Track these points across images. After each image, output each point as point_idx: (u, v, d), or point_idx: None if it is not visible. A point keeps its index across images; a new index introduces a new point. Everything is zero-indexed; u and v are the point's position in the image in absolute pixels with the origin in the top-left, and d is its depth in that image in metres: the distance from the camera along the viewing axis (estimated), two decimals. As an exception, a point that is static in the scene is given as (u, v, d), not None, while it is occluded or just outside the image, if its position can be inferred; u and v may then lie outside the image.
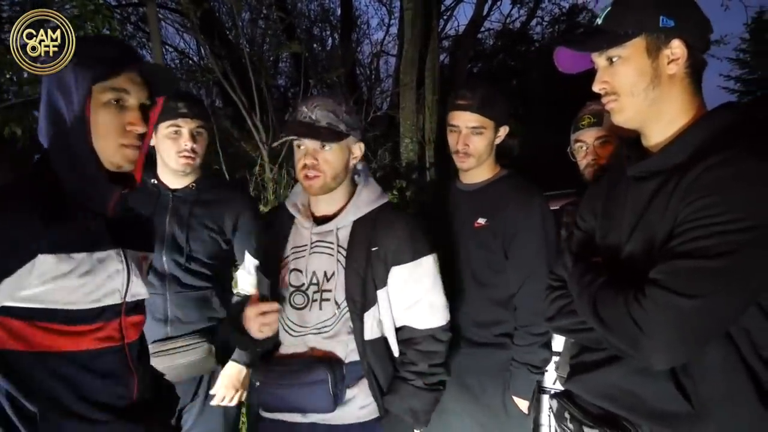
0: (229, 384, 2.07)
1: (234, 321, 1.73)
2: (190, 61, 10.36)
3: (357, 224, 1.76)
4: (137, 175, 1.42)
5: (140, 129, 1.31)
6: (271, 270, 1.81)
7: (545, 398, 2.50)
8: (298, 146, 1.73)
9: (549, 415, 1.44)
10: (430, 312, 1.76)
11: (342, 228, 1.76)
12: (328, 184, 1.72)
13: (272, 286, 1.79)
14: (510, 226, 2.09)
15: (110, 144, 1.29)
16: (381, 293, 1.72)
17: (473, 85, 2.19)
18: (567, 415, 1.36)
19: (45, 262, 1.18)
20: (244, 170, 5.61)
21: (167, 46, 10.95)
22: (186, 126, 2.09)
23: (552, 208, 2.20)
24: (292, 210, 1.84)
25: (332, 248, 1.74)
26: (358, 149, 1.78)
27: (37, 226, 1.17)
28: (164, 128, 2.08)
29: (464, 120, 2.11)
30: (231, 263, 2.31)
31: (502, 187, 2.17)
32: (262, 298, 1.70)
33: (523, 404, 2.09)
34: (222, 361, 2.08)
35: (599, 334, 1.24)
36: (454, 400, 2.08)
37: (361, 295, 1.69)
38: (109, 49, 1.32)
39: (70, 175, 1.28)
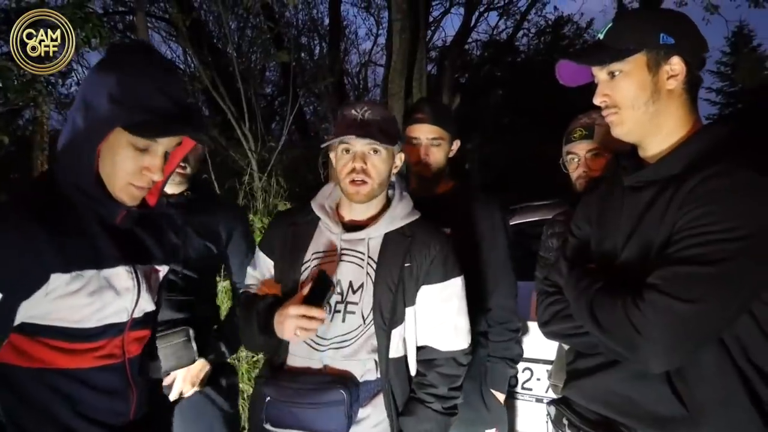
0: (188, 378, 2.00)
1: (259, 315, 1.63)
2: (179, 70, 10.32)
3: (389, 237, 1.71)
4: (151, 198, 1.38)
5: (156, 177, 1.25)
6: (289, 272, 1.71)
7: (543, 407, 2.53)
8: (346, 150, 1.67)
9: (547, 422, 1.45)
10: (455, 334, 1.72)
11: (373, 238, 1.70)
12: (375, 191, 1.68)
13: (287, 289, 1.68)
14: (475, 234, 2.18)
15: (119, 181, 1.23)
16: (409, 311, 1.69)
17: (428, 101, 2.36)
18: (565, 421, 1.38)
19: (57, 280, 1.16)
20: (233, 179, 5.59)
21: (154, 55, 10.91)
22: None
23: (540, 218, 2.27)
24: (318, 212, 1.76)
25: (362, 258, 1.68)
26: (400, 159, 1.76)
27: (49, 244, 1.14)
28: None
29: (424, 132, 2.20)
30: (216, 272, 2.31)
31: (460, 198, 2.26)
32: (309, 301, 1.56)
33: (501, 397, 2.22)
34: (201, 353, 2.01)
35: (596, 339, 1.27)
36: None
37: (391, 311, 1.64)
38: (163, 103, 1.21)
39: (75, 191, 1.24)
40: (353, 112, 1.66)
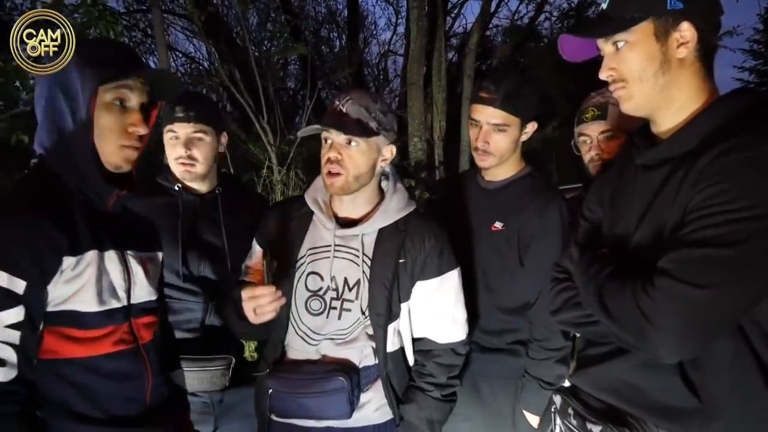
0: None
1: (235, 303, 1.63)
2: (200, 66, 10.41)
3: (383, 232, 1.67)
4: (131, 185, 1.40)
5: (142, 130, 1.31)
6: (284, 268, 1.68)
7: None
8: (326, 140, 1.64)
9: (553, 412, 1.39)
10: (452, 326, 1.72)
11: (367, 234, 1.67)
12: (350, 184, 1.62)
13: (276, 276, 1.66)
14: (526, 232, 1.96)
15: (111, 144, 1.29)
16: (404, 306, 1.68)
17: (498, 77, 1.98)
18: (570, 410, 1.32)
19: (66, 262, 1.20)
20: (252, 172, 5.60)
21: (177, 52, 11.03)
22: (182, 131, 1.99)
23: None
24: (312, 205, 1.72)
25: (357, 255, 1.66)
26: (389, 152, 1.68)
27: (56, 229, 1.19)
28: (165, 133, 2.03)
29: (486, 115, 1.95)
30: None
31: (524, 188, 2.03)
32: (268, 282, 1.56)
33: (533, 419, 1.97)
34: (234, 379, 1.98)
35: (605, 327, 1.20)
36: (465, 404, 2.00)
37: (386, 308, 1.63)
38: (115, 51, 1.33)
39: (69, 175, 1.28)
40: (336, 101, 1.63)
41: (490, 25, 11.26)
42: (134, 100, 1.31)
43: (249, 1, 8.21)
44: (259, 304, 1.52)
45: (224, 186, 2.13)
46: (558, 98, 10.00)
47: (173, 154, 2.00)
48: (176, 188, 2.03)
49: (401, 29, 10.96)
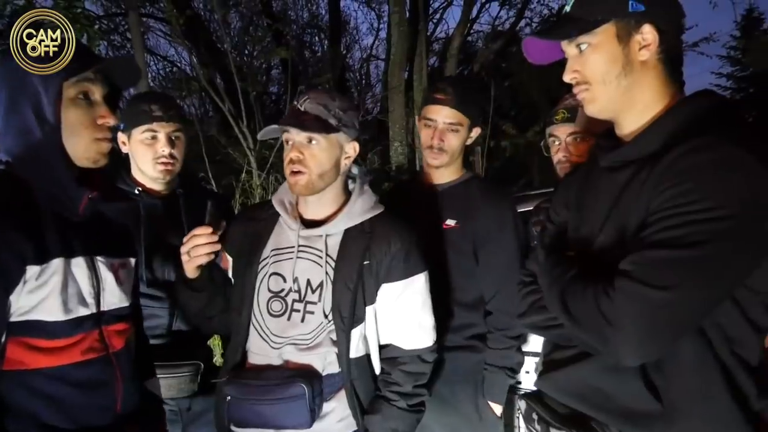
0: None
1: (180, 278, 1.64)
2: (179, 70, 10.33)
3: (348, 234, 1.65)
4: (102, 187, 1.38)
5: (111, 121, 1.31)
6: (247, 269, 1.68)
7: (516, 399, 2.44)
8: (287, 141, 1.63)
9: (518, 417, 1.38)
10: (419, 331, 1.68)
11: (332, 235, 1.65)
12: (314, 182, 1.61)
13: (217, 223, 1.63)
14: (481, 229, 2.04)
15: (83, 140, 1.28)
16: (369, 309, 1.64)
17: (452, 80, 2.16)
18: (535, 416, 1.31)
19: (30, 271, 1.18)
20: (231, 177, 5.56)
21: (156, 56, 10.95)
22: (162, 130, 1.95)
23: (527, 208, 2.16)
24: (278, 207, 1.71)
25: (320, 256, 1.63)
26: (352, 149, 1.67)
27: (20, 236, 1.16)
28: (139, 133, 1.96)
29: (442, 115, 2.05)
30: None
31: (471, 190, 2.12)
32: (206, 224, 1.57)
33: (497, 408, 2.04)
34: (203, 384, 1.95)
35: (569, 330, 1.19)
36: (428, 415, 2.00)
37: (350, 312, 1.59)
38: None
39: (39, 180, 1.25)
40: (296, 102, 1.62)
41: (472, 31, 11.33)
42: (97, 92, 1.30)
43: (230, 5, 8.19)
44: (195, 244, 1.52)
45: (185, 187, 2.09)
46: (540, 103, 10.07)
47: (151, 154, 1.96)
48: (136, 192, 1.99)
49: (383, 34, 10.98)
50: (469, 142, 2.13)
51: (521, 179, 9.95)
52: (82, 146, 1.28)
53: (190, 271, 1.60)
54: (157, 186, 2.03)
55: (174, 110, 2.01)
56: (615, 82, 1.20)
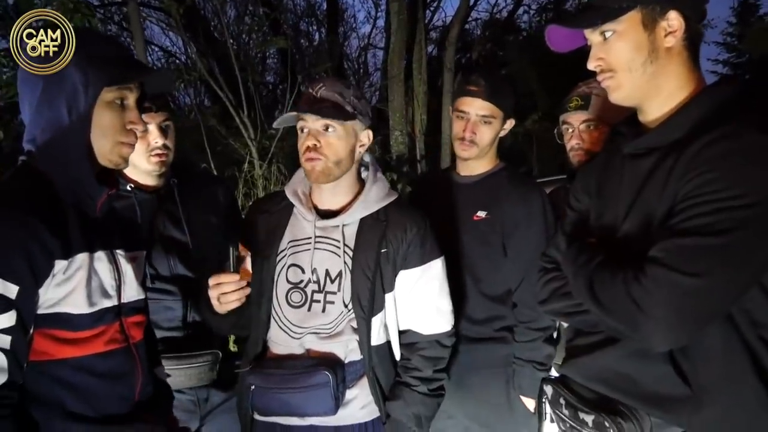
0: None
1: (205, 299, 1.59)
2: (177, 60, 10.27)
3: (364, 222, 1.65)
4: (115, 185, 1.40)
5: (141, 128, 1.34)
6: (265, 262, 1.67)
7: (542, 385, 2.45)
8: (302, 129, 1.62)
9: (544, 402, 1.39)
10: (437, 317, 1.69)
11: (348, 225, 1.65)
12: (331, 169, 1.60)
13: (240, 263, 1.62)
14: (510, 220, 2.01)
15: (110, 142, 1.29)
16: (388, 297, 1.65)
17: (485, 72, 2.09)
18: (562, 400, 1.31)
19: (58, 266, 1.20)
20: (233, 167, 5.55)
21: (153, 46, 10.87)
22: (153, 121, 1.86)
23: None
24: (292, 198, 1.70)
25: (338, 246, 1.64)
26: (366, 137, 1.67)
27: (48, 231, 1.18)
28: None
29: (475, 107, 2.02)
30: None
31: (501, 180, 2.09)
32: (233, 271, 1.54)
33: (529, 403, 1.99)
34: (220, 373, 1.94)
35: (596, 317, 1.20)
36: (454, 405, 2.01)
37: (370, 300, 1.61)
38: (116, 51, 1.33)
39: (60, 175, 1.26)
40: (309, 89, 1.62)
41: (470, 19, 11.28)
42: (132, 98, 1.32)
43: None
44: (222, 291, 1.50)
45: (179, 177, 2.02)
46: (537, 92, 10.05)
47: (143, 147, 1.87)
48: (129, 188, 1.91)
49: (381, 23, 10.94)
50: (502, 133, 2.11)
51: (520, 168, 9.95)
52: (108, 148, 1.29)
53: (221, 311, 1.57)
54: (150, 180, 1.95)
55: (162, 100, 1.93)
56: (641, 70, 1.20)
